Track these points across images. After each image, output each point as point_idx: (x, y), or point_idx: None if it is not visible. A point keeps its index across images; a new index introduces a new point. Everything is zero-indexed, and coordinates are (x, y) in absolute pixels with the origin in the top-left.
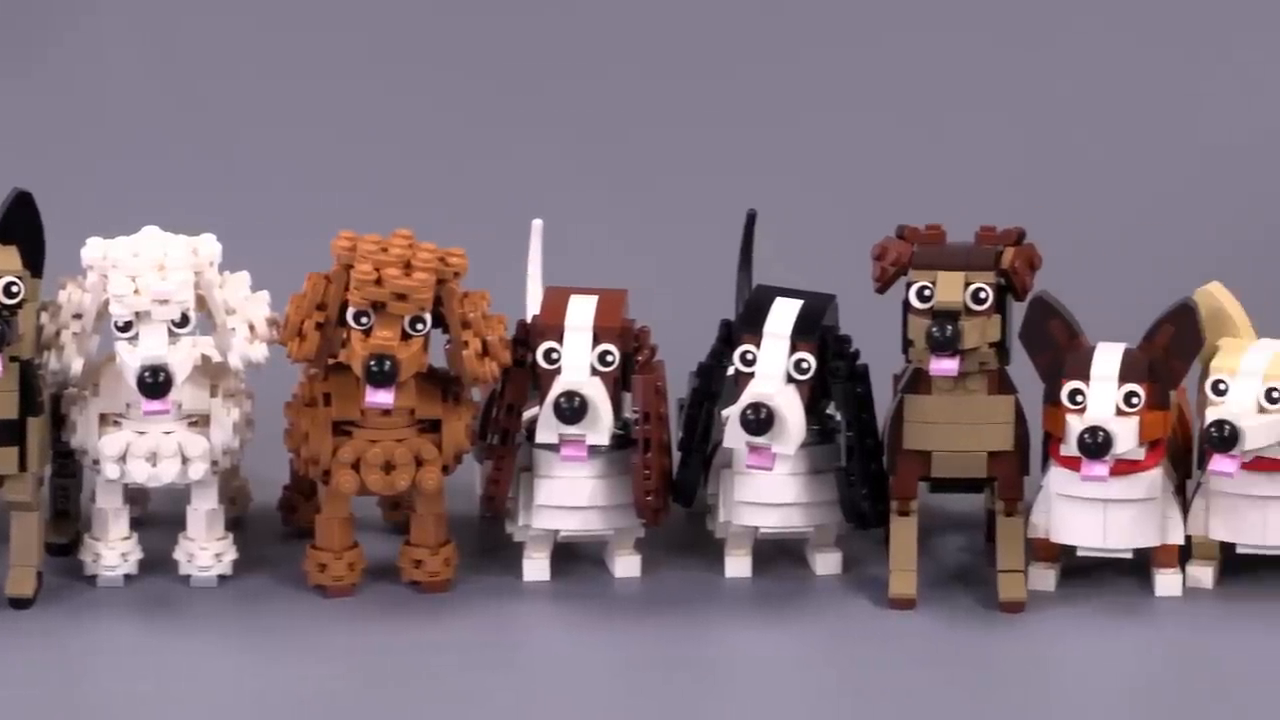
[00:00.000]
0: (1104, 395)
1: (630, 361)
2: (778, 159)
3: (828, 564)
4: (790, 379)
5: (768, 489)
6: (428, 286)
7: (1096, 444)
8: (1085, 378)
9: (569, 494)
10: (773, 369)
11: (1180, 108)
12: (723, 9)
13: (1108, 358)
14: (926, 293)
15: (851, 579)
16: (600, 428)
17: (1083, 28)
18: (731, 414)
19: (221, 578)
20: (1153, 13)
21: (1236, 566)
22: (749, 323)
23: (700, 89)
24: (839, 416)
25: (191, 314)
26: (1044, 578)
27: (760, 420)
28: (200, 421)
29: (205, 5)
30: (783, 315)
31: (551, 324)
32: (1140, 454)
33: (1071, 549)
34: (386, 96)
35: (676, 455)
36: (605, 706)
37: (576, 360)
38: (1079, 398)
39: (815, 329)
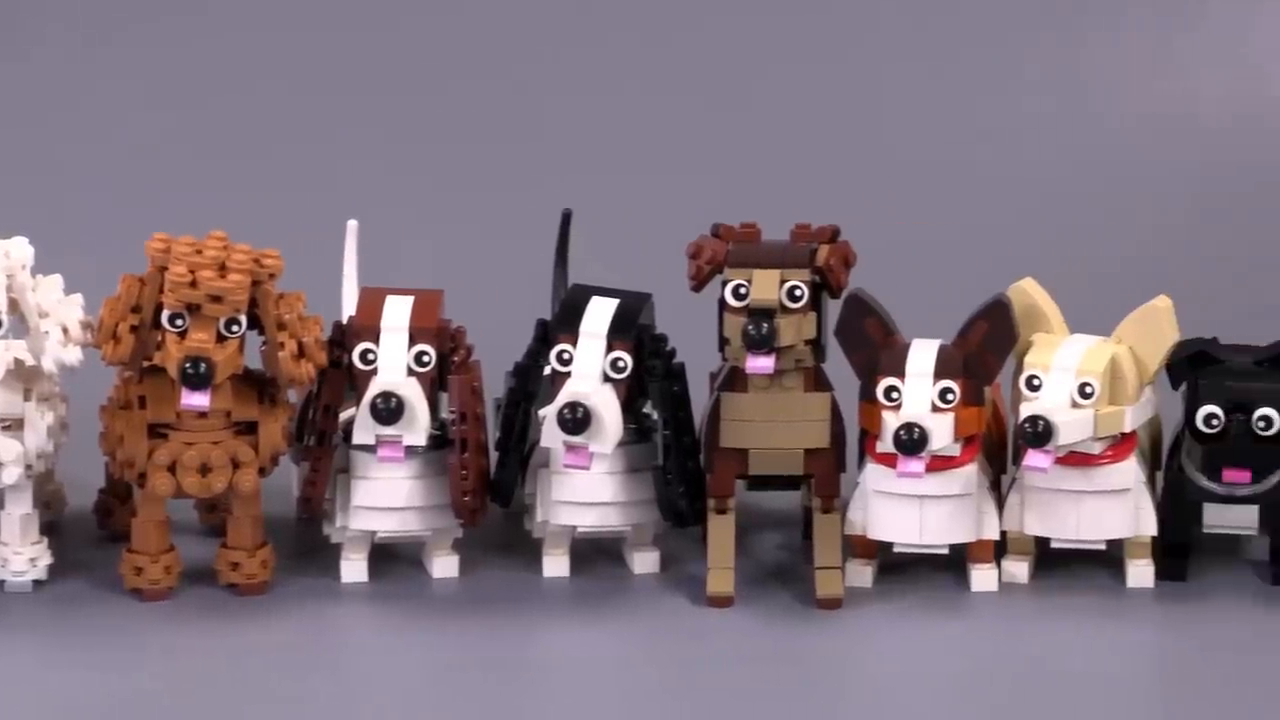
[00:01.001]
0: (919, 392)
1: (446, 362)
2: (593, 158)
3: (645, 563)
4: (607, 378)
5: (585, 488)
6: (243, 288)
7: (912, 440)
8: (900, 374)
9: (386, 495)
10: (589, 368)
11: (992, 104)
12: (538, 8)
13: (923, 354)
14: (742, 291)
15: (669, 577)
16: (417, 428)
17: (894, 26)
18: (548, 413)
19: (36, 583)
20: (962, 10)
21: (1051, 561)
22: (565, 322)
23: (513, 89)
24: (656, 415)
25: (3, 317)
26: (861, 574)
27: (577, 419)
28: (14, 425)
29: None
30: (599, 314)
31: (367, 325)
32: (955, 450)
33: (888, 545)
34: (200, 99)
35: (494, 455)
36: (425, 707)
37: (392, 361)
38: (894, 394)
39: (631, 328)
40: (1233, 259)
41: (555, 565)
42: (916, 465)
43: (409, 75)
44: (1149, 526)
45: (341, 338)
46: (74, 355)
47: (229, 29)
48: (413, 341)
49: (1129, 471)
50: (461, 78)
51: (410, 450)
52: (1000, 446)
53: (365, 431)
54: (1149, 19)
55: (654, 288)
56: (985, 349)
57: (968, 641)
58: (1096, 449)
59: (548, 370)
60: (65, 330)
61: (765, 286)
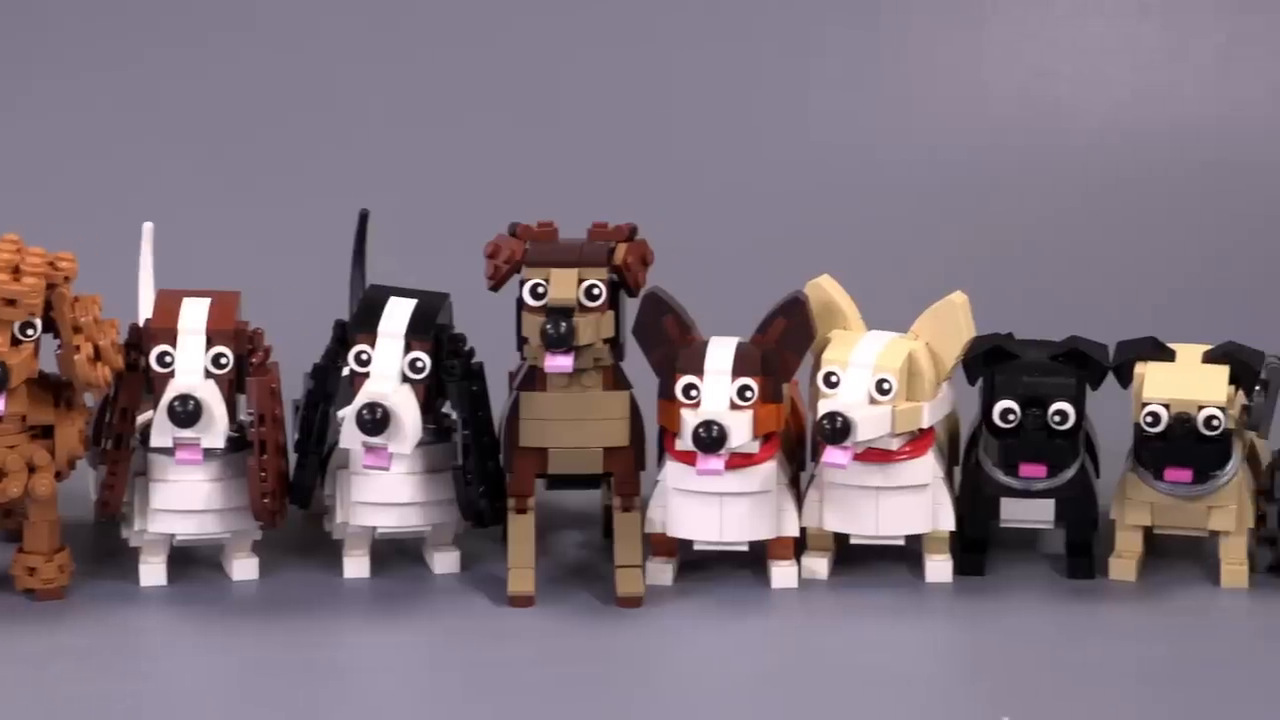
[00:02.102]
0: (718, 389)
1: (244, 363)
2: (389, 157)
3: (446, 563)
4: (405, 378)
5: (384, 489)
6: (37, 291)
7: (711, 438)
8: (699, 372)
9: (185, 498)
10: (388, 369)
11: (785, 102)
12: (334, 8)
13: (721, 352)
14: (540, 290)
15: (470, 577)
16: (214, 431)
17: (687, 22)
18: (347, 414)
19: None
20: (755, 7)
21: (850, 557)
22: (363, 323)
23: (308, 89)
24: (455, 415)
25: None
26: (661, 572)
27: (376, 420)
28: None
29: None
30: (397, 315)
31: (164, 327)
32: (754, 447)
33: (689, 543)
34: None
35: (293, 457)
36: (226, 710)
37: (190, 363)
38: (693, 392)
39: (429, 328)
40: (1028, 253)
41: (355, 566)
42: (716, 463)
43: (204, 78)
44: (947, 521)
45: (138, 340)
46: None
47: (14, 32)
48: (210, 344)
49: (927, 467)
50: (256, 79)
51: (208, 453)
52: (799, 443)
53: (163, 434)
54: (938, 17)
55: (452, 287)
56: (783, 346)
57: (768, 638)
58: (894, 445)
59: (346, 371)
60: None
61: (563, 285)
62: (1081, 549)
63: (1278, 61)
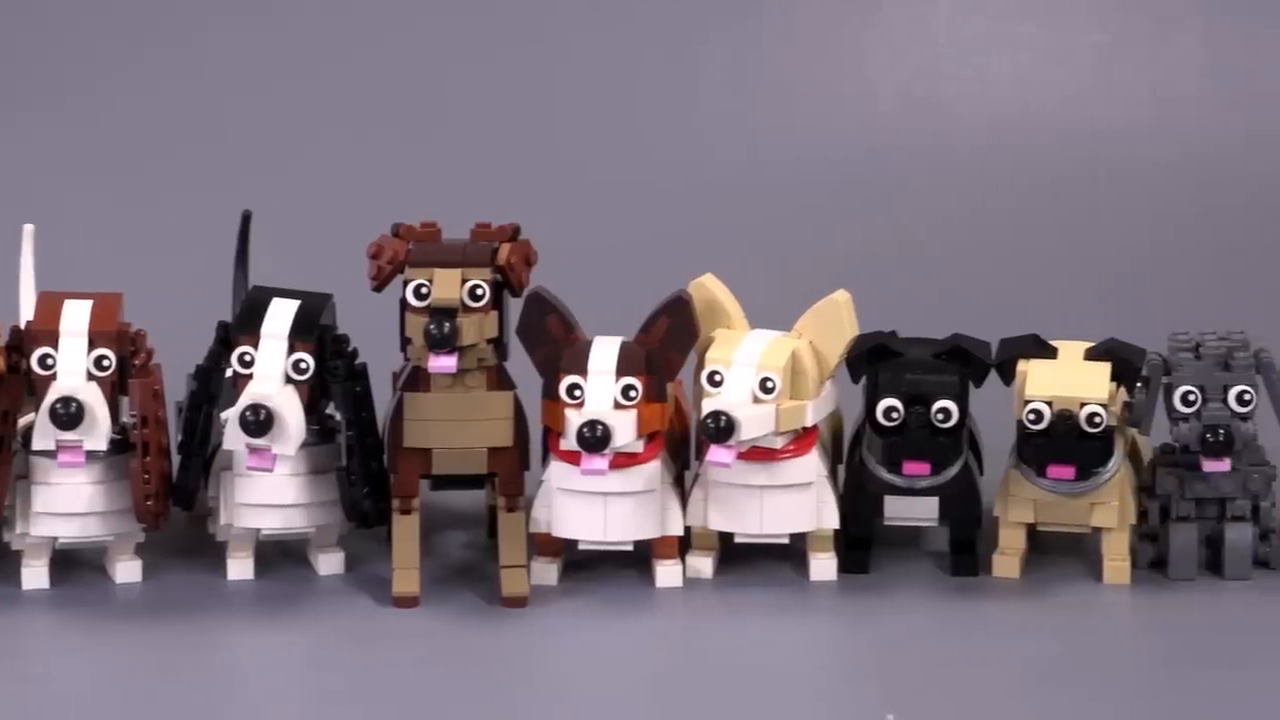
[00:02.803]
0: (602, 389)
1: (127, 365)
2: (271, 158)
3: (330, 564)
4: (289, 379)
5: (268, 490)
6: None
7: (595, 438)
8: (583, 372)
9: (67, 500)
10: (271, 370)
11: (670, 102)
12: (222, 10)
13: (604, 352)
14: (423, 290)
15: (354, 578)
16: (97, 433)
17: (570, 24)
18: (230, 416)
19: None
20: (639, 7)
21: (735, 555)
22: (246, 324)
23: (189, 89)
24: (339, 416)
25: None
26: (546, 572)
27: (259, 421)
28: None
29: None
30: (280, 316)
31: (45, 329)
32: (639, 447)
33: (573, 542)
34: None
35: (176, 459)
36: (111, 713)
37: (72, 365)
38: (577, 392)
39: (313, 329)
40: (911, 251)
41: (239, 568)
42: (600, 462)
43: (84, 76)
44: (831, 520)
45: (19, 343)
46: None
47: None
48: (92, 345)
49: (811, 465)
50: (137, 77)
51: (91, 455)
52: (683, 442)
53: (45, 437)
54: (821, 16)
55: (335, 288)
56: (667, 345)
57: (653, 638)
58: (778, 444)
59: (229, 373)
60: None
61: (446, 286)
62: (965, 546)
63: (1158, 60)
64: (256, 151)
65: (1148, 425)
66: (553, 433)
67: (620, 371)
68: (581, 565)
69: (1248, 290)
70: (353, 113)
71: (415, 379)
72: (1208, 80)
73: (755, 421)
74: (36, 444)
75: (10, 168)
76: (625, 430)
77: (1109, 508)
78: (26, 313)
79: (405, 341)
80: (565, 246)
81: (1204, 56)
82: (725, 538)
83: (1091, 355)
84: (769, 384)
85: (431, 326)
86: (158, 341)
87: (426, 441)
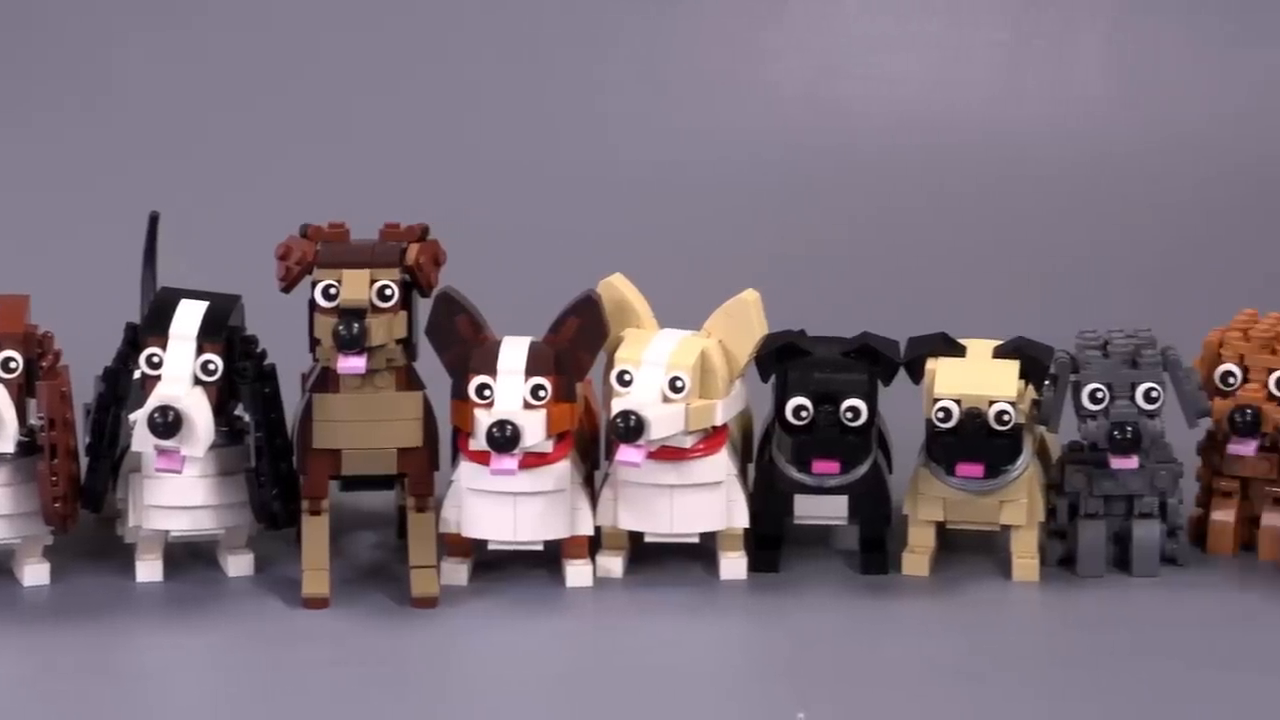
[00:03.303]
0: (511, 389)
1: (34, 367)
2: (179, 159)
3: (240, 565)
4: (197, 381)
5: (177, 492)
6: None
7: (505, 438)
8: (492, 372)
9: None
10: (179, 371)
11: (577, 101)
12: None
13: (514, 352)
14: (332, 291)
15: (264, 580)
16: (4, 435)
17: (477, 28)
18: (139, 417)
19: None
20: (546, 6)
21: (645, 555)
22: (154, 325)
23: (95, 87)
24: (248, 417)
25: None
26: (456, 572)
27: (168, 423)
28: None
29: None
30: (188, 317)
31: None
32: (548, 447)
33: (483, 543)
34: None
35: (84, 461)
36: (19, 715)
37: None
38: (486, 392)
39: (221, 330)
40: (820, 250)
41: (148, 570)
42: (509, 463)
43: None
44: (741, 519)
45: None
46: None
47: None
48: None
49: (720, 465)
50: (40, 78)
51: None
52: (593, 442)
53: None
54: (727, 18)
55: (243, 289)
56: (576, 345)
57: (563, 638)
58: (688, 443)
59: (137, 374)
60: None
61: (355, 286)
62: (875, 545)
63: (1062, 60)
64: (164, 153)
65: (1056, 423)
66: (462, 433)
67: (529, 371)
68: (491, 565)
69: (1154, 288)
70: (260, 114)
71: (324, 380)
72: (1111, 80)
73: (665, 421)
74: None
75: None
76: (534, 430)
77: (1018, 505)
78: None
79: (314, 342)
80: (474, 246)
81: (1107, 57)
82: (635, 537)
83: (1000, 353)
84: (678, 383)
85: (340, 327)
86: (65, 343)
87: (336, 442)
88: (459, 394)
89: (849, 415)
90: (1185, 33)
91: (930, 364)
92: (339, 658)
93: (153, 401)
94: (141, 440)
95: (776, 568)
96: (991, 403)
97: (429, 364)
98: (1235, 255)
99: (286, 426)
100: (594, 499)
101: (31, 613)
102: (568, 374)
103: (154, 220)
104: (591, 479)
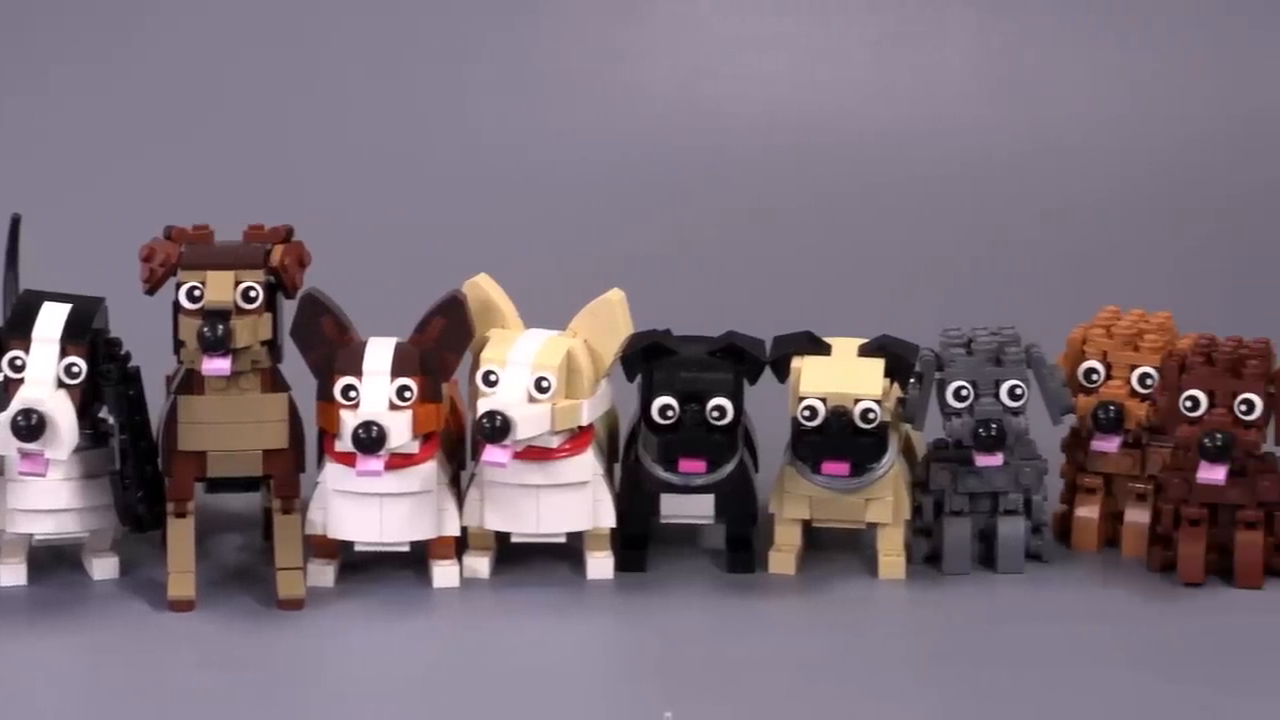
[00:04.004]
0: (377, 390)
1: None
2: (41, 160)
3: (105, 568)
4: (61, 383)
5: (41, 495)
6: None
7: (370, 439)
8: (357, 373)
9: None
10: (43, 374)
11: (444, 101)
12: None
13: (379, 352)
14: (196, 293)
15: (130, 583)
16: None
17: (342, 30)
18: (1, 420)
19: None
20: (414, 14)
21: (512, 555)
22: (17, 328)
23: None
24: (112, 419)
25: None
26: (323, 574)
27: (31, 426)
28: None
29: None
30: (51, 319)
31: None
32: (414, 447)
33: (350, 544)
34: None
35: None
36: None
37: None
38: (352, 393)
39: (85, 332)
40: (686, 250)
41: (12, 574)
42: (375, 464)
43: None
44: (607, 518)
45: None
46: None
47: None
48: None
49: (587, 464)
50: None
51: None
52: (459, 442)
53: None
54: (600, 15)
55: (107, 291)
56: (442, 345)
57: (431, 638)
58: (554, 443)
59: (0, 377)
60: None
61: (219, 288)
62: (741, 543)
63: (931, 57)
64: (26, 154)
65: (921, 421)
66: (328, 434)
67: (395, 372)
68: (358, 566)
69: (1019, 286)
70: (123, 115)
71: (189, 381)
72: (980, 79)
73: (531, 421)
74: None
75: None
76: (400, 431)
77: (883, 503)
78: None
79: (178, 344)
80: (339, 247)
81: (977, 56)
82: (502, 537)
83: (865, 352)
84: (544, 383)
85: (205, 329)
86: None
87: (201, 444)
88: (324, 395)
89: (715, 414)
90: (1054, 31)
91: (796, 362)
92: (205, 660)
93: (15, 404)
94: (4, 443)
95: (643, 567)
96: (857, 401)
97: (294, 366)
98: (1099, 253)
99: (151, 429)
100: (460, 499)
101: None
102: (433, 374)
103: (15, 223)
104: (458, 479)
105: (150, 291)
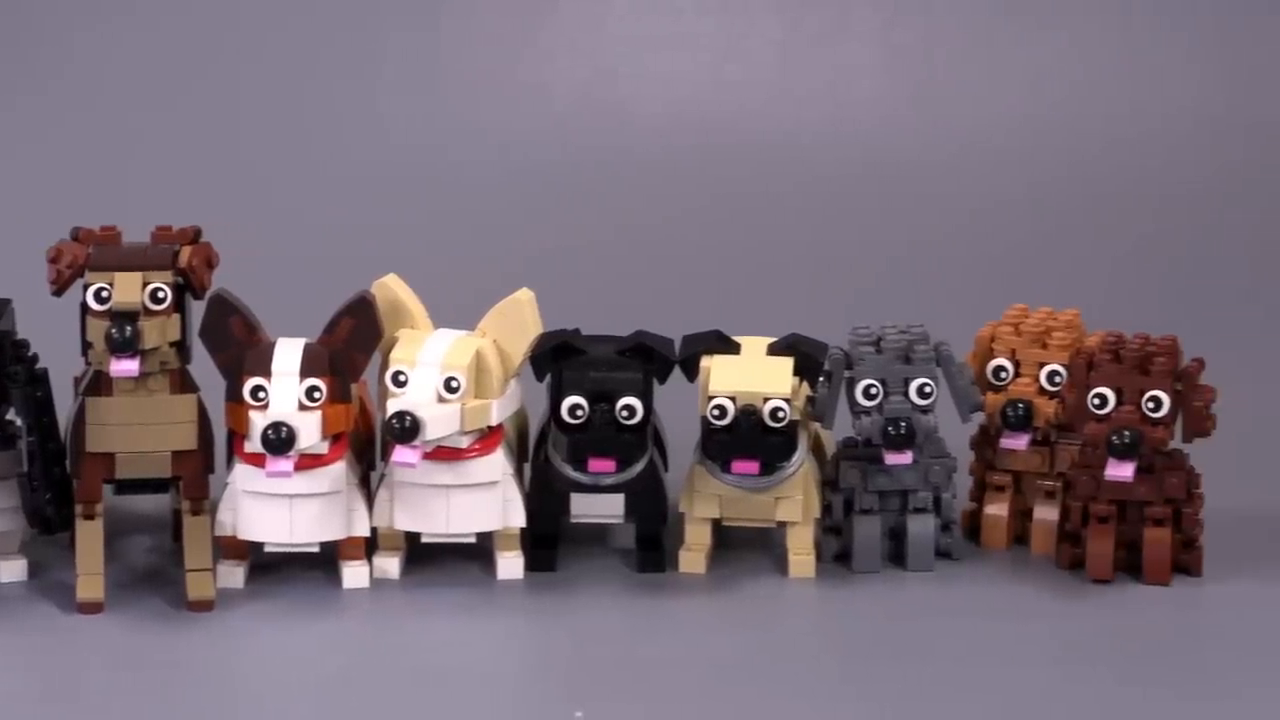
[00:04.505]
0: (286, 390)
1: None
2: None
3: (12, 571)
4: None
5: None
6: None
7: (279, 440)
8: (266, 373)
9: None
10: None
11: (350, 107)
12: None
13: (288, 353)
14: (104, 294)
15: (37, 585)
16: None
17: (251, 32)
18: None
19: None
20: (321, 16)
21: (422, 555)
22: None
23: None
24: (19, 421)
25: None
26: (233, 575)
27: None
28: None
29: None
30: None
31: None
32: (324, 448)
33: (259, 545)
34: None
35: None
36: None
37: None
38: (261, 394)
39: None
40: (594, 250)
41: None
42: (285, 464)
43: None
44: (517, 518)
45: None
46: None
47: None
48: None
49: (496, 464)
50: None
51: None
52: (369, 443)
53: None
54: (503, 16)
55: (14, 292)
56: (351, 346)
57: (341, 639)
58: (464, 443)
59: None
60: None
61: (127, 289)
62: (651, 543)
63: (836, 60)
64: None
65: (830, 419)
66: (237, 435)
67: (304, 373)
68: (268, 567)
69: (927, 284)
70: (27, 114)
71: (97, 383)
72: (886, 79)
73: (440, 421)
74: None
75: None
76: (310, 432)
77: (793, 502)
78: None
79: (86, 345)
80: (247, 248)
81: (882, 56)
82: (412, 538)
83: (774, 350)
84: (453, 383)
85: (113, 330)
86: None
87: (109, 446)
88: (233, 396)
89: (624, 414)
90: (959, 31)
91: (705, 361)
92: (114, 663)
93: None
94: None
95: (553, 567)
96: (766, 400)
97: (203, 366)
98: (1006, 251)
99: (60, 430)
100: (370, 500)
101: None
102: (342, 375)
103: None
104: (367, 480)
105: (57, 293)
